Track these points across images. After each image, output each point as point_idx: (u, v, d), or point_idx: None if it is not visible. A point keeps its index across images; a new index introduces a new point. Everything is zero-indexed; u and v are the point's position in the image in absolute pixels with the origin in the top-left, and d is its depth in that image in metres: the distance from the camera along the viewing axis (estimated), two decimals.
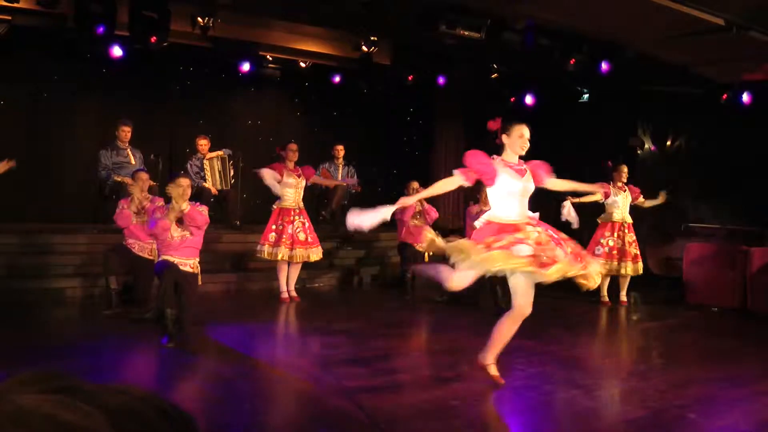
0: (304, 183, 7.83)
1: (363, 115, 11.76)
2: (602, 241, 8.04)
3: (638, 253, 8.10)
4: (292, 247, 7.54)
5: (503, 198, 4.37)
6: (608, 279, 8.06)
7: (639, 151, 11.11)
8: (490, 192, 4.43)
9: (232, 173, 9.69)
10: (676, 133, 10.85)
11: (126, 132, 8.39)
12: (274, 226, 7.60)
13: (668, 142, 10.97)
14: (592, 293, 7.94)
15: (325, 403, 4.28)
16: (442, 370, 5.08)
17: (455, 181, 4.44)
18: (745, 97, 9.28)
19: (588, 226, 7.91)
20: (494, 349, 4.50)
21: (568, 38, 8.21)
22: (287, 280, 7.78)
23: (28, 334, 5.78)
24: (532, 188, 4.47)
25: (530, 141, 4.46)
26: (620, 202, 8.06)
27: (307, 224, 7.71)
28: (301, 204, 7.77)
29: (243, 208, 9.74)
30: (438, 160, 11.93)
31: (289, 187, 7.65)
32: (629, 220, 8.13)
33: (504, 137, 4.45)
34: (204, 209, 5.90)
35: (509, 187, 4.35)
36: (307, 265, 8.28)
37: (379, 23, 8.72)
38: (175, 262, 5.66)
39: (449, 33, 7.47)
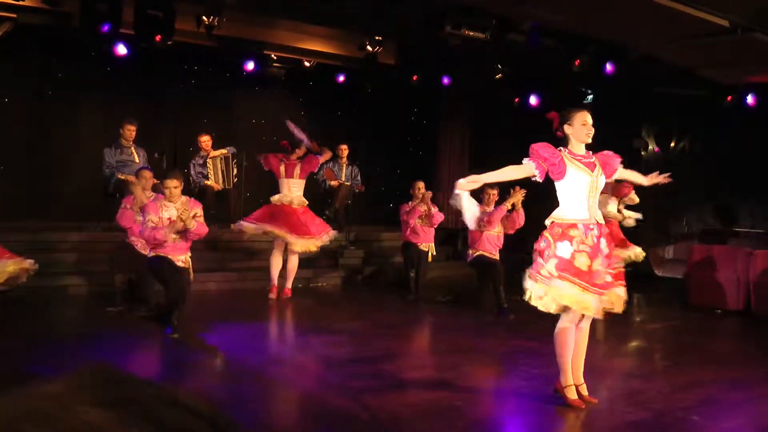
0: (304, 180, 7.88)
1: (367, 115, 11.76)
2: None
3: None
4: (290, 232, 7.53)
5: (572, 195, 4.03)
6: None
7: (643, 153, 11.10)
8: (558, 187, 4.08)
9: (235, 172, 9.71)
10: (681, 134, 10.84)
11: (131, 131, 8.42)
12: (269, 211, 7.64)
13: (672, 144, 10.96)
14: None
15: (328, 402, 4.28)
16: (445, 370, 5.08)
17: (525, 169, 4.05)
18: (750, 99, 9.28)
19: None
20: (564, 368, 4.22)
21: (573, 39, 8.21)
22: (286, 277, 7.79)
23: (32, 331, 5.80)
24: (603, 183, 4.15)
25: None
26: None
27: (307, 215, 7.77)
28: (302, 199, 7.81)
29: (245, 207, 9.76)
30: (442, 160, 11.93)
31: (291, 184, 7.74)
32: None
33: (566, 127, 4.14)
34: (199, 209, 5.94)
35: (579, 183, 4.02)
36: (311, 264, 8.28)
37: (384, 23, 8.73)
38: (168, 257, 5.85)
39: (454, 33, 7.47)
